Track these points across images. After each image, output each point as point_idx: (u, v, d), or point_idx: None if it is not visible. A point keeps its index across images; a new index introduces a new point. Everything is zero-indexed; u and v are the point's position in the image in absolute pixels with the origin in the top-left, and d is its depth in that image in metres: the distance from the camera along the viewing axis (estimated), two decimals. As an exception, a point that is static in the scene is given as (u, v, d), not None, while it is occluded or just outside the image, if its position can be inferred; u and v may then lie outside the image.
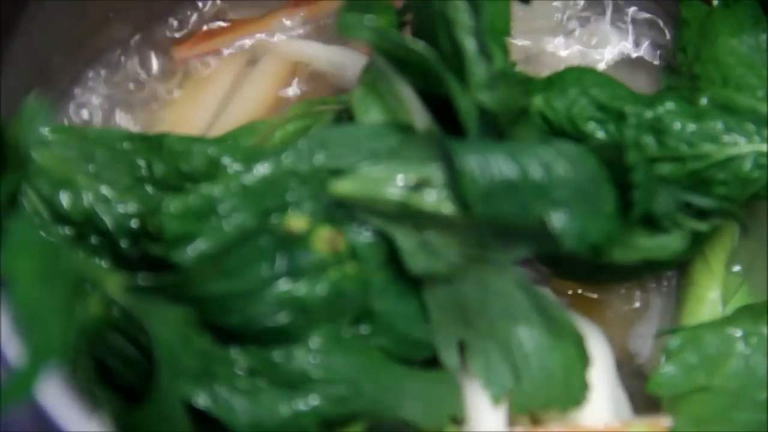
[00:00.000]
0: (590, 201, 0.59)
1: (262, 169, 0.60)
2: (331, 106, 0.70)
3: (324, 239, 0.59)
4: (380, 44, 0.63)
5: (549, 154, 0.58)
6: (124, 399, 0.60)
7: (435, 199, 0.59)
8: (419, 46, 0.62)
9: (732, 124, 0.67)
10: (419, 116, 0.63)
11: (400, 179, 0.60)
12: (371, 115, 0.63)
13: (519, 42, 0.82)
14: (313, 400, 0.58)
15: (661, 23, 0.84)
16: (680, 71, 0.75)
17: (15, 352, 0.51)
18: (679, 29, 0.76)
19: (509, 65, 0.61)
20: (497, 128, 0.61)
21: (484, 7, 0.61)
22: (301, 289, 0.58)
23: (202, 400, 0.57)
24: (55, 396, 0.51)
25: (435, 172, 0.60)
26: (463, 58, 0.62)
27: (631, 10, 0.85)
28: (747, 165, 0.67)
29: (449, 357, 0.63)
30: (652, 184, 0.61)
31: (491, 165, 0.58)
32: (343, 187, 0.60)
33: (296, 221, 0.58)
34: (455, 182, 0.59)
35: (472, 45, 0.61)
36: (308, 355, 0.59)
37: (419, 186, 0.59)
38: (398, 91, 0.63)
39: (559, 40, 0.84)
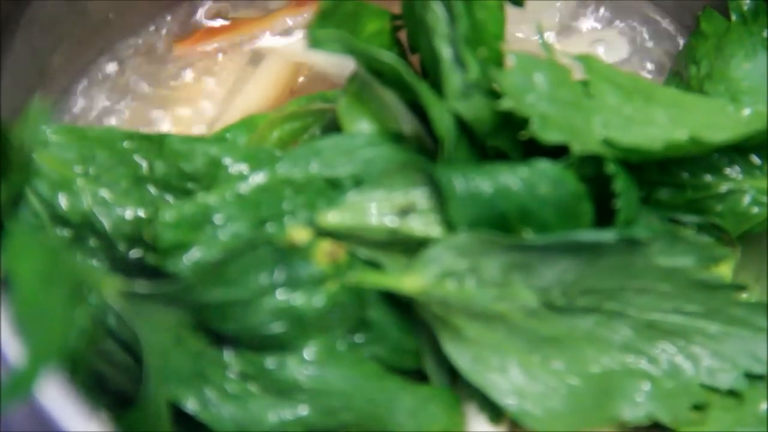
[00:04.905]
0: (570, 219, 0.60)
1: (257, 178, 0.61)
2: (329, 105, 0.71)
3: (325, 252, 0.60)
4: (354, 56, 0.64)
5: (530, 175, 0.60)
6: (118, 404, 0.62)
7: (423, 224, 0.61)
8: (388, 56, 0.62)
9: (734, 155, 0.67)
10: (407, 124, 0.64)
11: (387, 207, 0.61)
12: (358, 124, 0.64)
13: (524, 40, 0.84)
14: (302, 411, 0.60)
15: (671, 29, 0.86)
16: (689, 83, 0.75)
17: (15, 352, 0.53)
18: (695, 39, 0.77)
19: (488, 74, 0.62)
20: (476, 139, 0.63)
21: (460, 15, 0.62)
22: (298, 299, 0.60)
23: (190, 404, 0.59)
24: (54, 396, 0.53)
25: (420, 197, 0.61)
26: (440, 66, 0.63)
27: (634, 11, 0.86)
28: (746, 200, 0.67)
29: (440, 380, 0.65)
30: (632, 192, 0.63)
31: (479, 188, 0.60)
32: (331, 217, 0.61)
33: (298, 233, 0.60)
34: (442, 206, 0.60)
35: (448, 53, 0.63)
36: (301, 365, 0.60)
37: (406, 212, 0.61)
38: (384, 99, 0.64)
39: (562, 40, 0.85)
